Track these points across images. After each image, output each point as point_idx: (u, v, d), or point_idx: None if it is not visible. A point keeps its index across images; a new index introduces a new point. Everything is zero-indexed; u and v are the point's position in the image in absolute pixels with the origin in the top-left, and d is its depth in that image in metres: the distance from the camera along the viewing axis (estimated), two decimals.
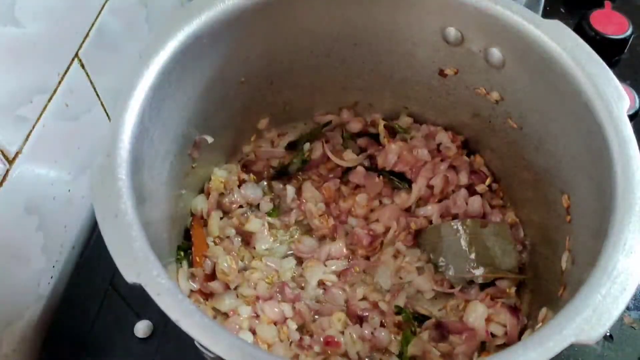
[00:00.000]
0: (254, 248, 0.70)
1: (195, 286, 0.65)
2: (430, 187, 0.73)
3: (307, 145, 0.76)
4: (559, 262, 0.59)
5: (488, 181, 0.74)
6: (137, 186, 0.50)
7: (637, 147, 0.51)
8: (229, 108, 0.69)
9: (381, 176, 0.76)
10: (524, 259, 0.68)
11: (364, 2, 0.64)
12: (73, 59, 0.67)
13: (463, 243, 0.68)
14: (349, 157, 0.77)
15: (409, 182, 0.75)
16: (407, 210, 0.73)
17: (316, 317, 0.66)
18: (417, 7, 0.63)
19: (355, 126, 0.78)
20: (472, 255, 0.67)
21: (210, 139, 0.67)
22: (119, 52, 0.76)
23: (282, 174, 0.76)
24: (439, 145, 0.76)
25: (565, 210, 0.59)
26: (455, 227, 0.69)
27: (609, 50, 0.90)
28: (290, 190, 0.74)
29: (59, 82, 0.65)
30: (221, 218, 0.71)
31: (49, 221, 0.68)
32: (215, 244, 0.69)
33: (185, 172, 0.67)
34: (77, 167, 0.72)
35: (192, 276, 0.65)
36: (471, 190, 0.73)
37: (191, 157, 0.67)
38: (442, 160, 0.74)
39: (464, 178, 0.73)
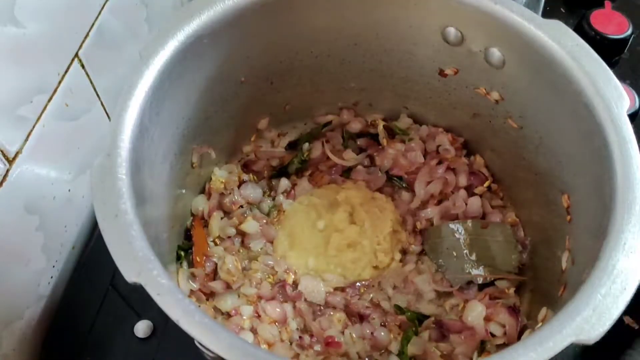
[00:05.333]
0: (250, 248, 0.70)
1: (195, 286, 0.65)
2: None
3: (306, 145, 0.76)
4: (559, 262, 0.59)
5: (487, 183, 0.74)
6: (137, 186, 0.50)
7: (637, 147, 0.51)
8: (229, 108, 0.69)
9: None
10: (524, 259, 0.68)
11: (364, 1, 0.64)
12: (73, 59, 0.67)
13: (463, 244, 0.68)
14: (349, 157, 0.77)
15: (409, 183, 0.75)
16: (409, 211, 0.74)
17: (317, 314, 0.66)
18: (418, 7, 0.63)
19: (355, 126, 0.78)
20: (473, 256, 0.67)
21: (213, 154, 0.69)
22: (119, 52, 0.76)
23: (282, 174, 0.76)
24: (438, 146, 0.76)
25: (565, 210, 0.59)
26: (455, 228, 0.69)
27: (609, 50, 0.90)
28: (284, 182, 0.74)
29: (59, 82, 0.65)
30: (221, 218, 0.71)
31: (49, 221, 0.68)
32: (216, 244, 0.69)
33: (185, 172, 0.67)
34: (77, 167, 0.72)
35: (193, 276, 0.65)
36: (471, 191, 0.74)
37: (191, 159, 0.67)
38: (439, 163, 0.74)
39: (463, 180, 0.73)
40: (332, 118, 0.78)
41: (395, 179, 0.76)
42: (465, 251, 0.68)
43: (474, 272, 0.67)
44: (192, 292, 0.65)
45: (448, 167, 0.74)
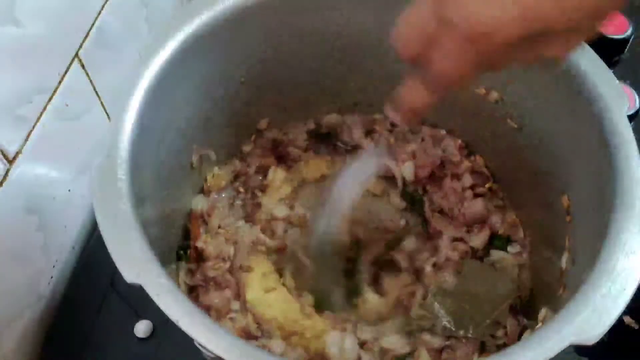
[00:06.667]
0: None
1: None
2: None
3: None
4: (559, 262, 0.58)
5: (489, 184, 0.74)
6: (137, 186, 0.50)
7: (637, 147, 0.51)
8: (229, 108, 0.69)
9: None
10: (524, 259, 0.68)
11: (364, 3, 0.64)
12: (73, 59, 0.67)
13: (462, 301, 0.64)
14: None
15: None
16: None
17: None
18: None
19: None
20: (479, 306, 0.63)
21: (213, 155, 0.69)
22: (119, 52, 0.76)
23: None
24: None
25: (565, 210, 0.59)
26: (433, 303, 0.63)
27: (609, 50, 0.90)
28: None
29: (59, 82, 0.65)
30: None
31: (49, 221, 0.68)
32: None
33: (185, 172, 0.67)
34: (77, 167, 0.72)
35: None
36: (473, 192, 0.73)
37: (191, 159, 0.67)
38: (443, 165, 0.74)
39: (467, 180, 0.73)
40: (332, 118, 0.78)
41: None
42: (467, 306, 0.64)
43: (485, 319, 0.63)
44: None
45: (452, 176, 0.73)
